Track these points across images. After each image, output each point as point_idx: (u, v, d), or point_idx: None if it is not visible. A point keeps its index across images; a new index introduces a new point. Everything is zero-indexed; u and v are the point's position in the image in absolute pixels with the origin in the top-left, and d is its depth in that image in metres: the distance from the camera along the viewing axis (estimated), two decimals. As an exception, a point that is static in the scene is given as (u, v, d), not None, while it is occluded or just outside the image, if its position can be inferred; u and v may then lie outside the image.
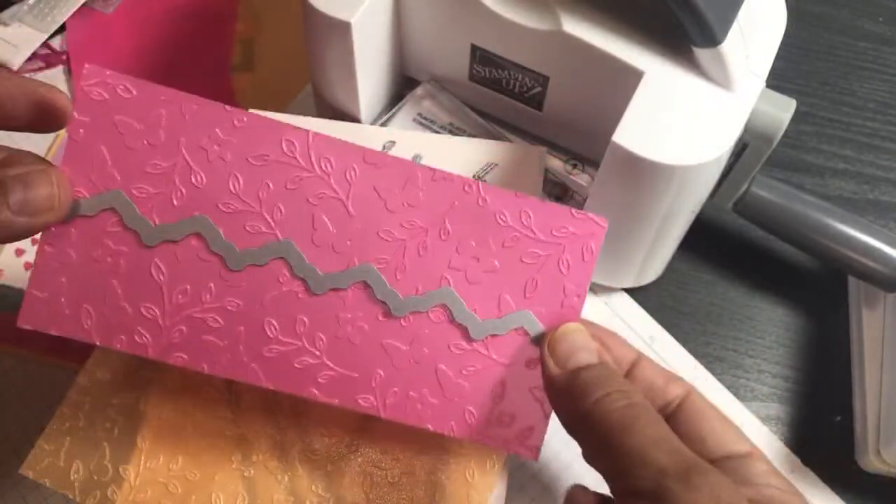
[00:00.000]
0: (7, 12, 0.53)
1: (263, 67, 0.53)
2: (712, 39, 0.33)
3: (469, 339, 0.32)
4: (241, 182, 0.31)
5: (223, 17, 0.54)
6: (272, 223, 0.31)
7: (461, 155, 0.41)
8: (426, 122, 0.44)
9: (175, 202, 0.31)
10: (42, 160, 0.29)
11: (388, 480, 0.37)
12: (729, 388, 0.44)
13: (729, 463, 0.28)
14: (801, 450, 0.42)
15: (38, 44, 0.52)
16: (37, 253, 0.31)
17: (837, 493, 0.41)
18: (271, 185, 0.31)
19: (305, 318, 0.31)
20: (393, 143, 0.41)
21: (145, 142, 0.31)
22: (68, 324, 0.31)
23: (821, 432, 0.43)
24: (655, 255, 0.42)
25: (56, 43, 0.53)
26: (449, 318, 0.32)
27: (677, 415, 0.30)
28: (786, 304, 0.46)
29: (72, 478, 0.37)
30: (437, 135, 0.44)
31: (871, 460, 0.40)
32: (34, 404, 0.43)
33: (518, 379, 0.32)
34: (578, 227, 0.32)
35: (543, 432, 0.32)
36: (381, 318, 0.31)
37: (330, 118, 0.43)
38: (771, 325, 0.46)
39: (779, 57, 0.37)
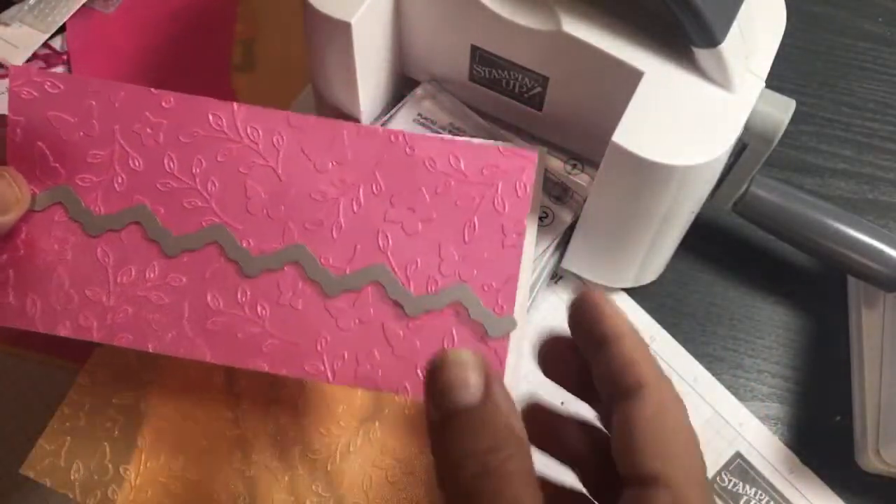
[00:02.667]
0: (8, 12, 0.53)
1: (263, 67, 0.53)
2: (712, 39, 0.33)
3: (404, 316, 0.31)
4: (176, 161, 0.32)
5: (223, 17, 0.54)
6: (207, 196, 0.32)
7: (461, 155, 0.41)
8: (426, 123, 0.44)
9: (117, 187, 0.32)
10: None
11: (388, 480, 0.37)
12: (729, 388, 0.44)
13: (628, 490, 0.24)
14: (801, 450, 0.42)
15: (38, 44, 0.52)
16: None
17: (837, 493, 0.41)
18: (203, 160, 0.32)
19: (247, 289, 0.31)
20: (393, 143, 0.41)
21: (81, 133, 0.32)
22: (12, 313, 0.32)
23: (821, 432, 0.43)
24: (655, 255, 0.42)
25: (56, 43, 0.53)
26: (383, 295, 0.31)
27: (616, 414, 0.25)
28: (786, 304, 0.46)
29: (72, 477, 0.37)
30: (437, 135, 0.44)
31: (871, 460, 0.40)
32: (34, 404, 0.43)
33: (467, 333, 0.31)
34: (508, 164, 0.31)
35: (501, 378, 0.32)
36: (318, 292, 0.31)
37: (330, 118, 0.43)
38: (771, 325, 0.46)
39: (779, 57, 0.37)
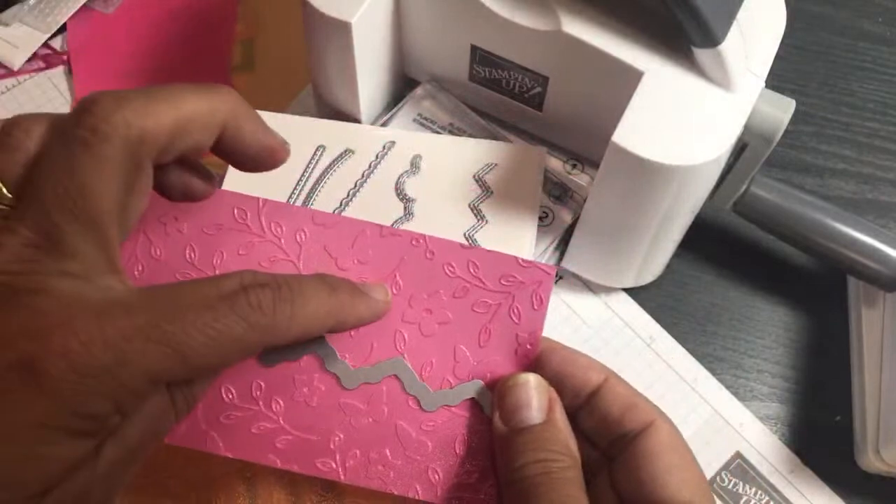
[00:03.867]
0: (8, 12, 0.53)
1: (263, 67, 0.53)
2: (712, 39, 0.33)
3: (420, 412, 0.31)
4: (197, 252, 0.31)
5: (223, 18, 0.54)
6: None
7: (461, 155, 0.41)
8: (426, 123, 0.44)
9: (137, 275, 0.31)
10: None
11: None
12: (729, 387, 0.44)
13: None
14: (801, 450, 0.42)
15: (38, 44, 0.52)
16: None
17: (837, 493, 0.41)
18: (224, 253, 0.31)
19: (262, 383, 0.31)
20: (393, 143, 0.41)
21: None
22: None
23: (821, 432, 0.43)
24: (655, 254, 0.42)
25: (57, 43, 0.53)
26: (400, 389, 0.31)
27: (630, 451, 0.28)
28: (786, 304, 0.46)
29: (72, 478, 0.37)
30: (437, 135, 0.44)
31: (871, 460, 0.40)
32: (34, 404, 0.43)
33: (479, 434, 0.31)
34: (526, 276, 0.31)
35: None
36: (335, 386, 0.31)
37: (330, 118, 0.43)
38: (771, 325, 0.46)
39: (779, 57, 0.37)
